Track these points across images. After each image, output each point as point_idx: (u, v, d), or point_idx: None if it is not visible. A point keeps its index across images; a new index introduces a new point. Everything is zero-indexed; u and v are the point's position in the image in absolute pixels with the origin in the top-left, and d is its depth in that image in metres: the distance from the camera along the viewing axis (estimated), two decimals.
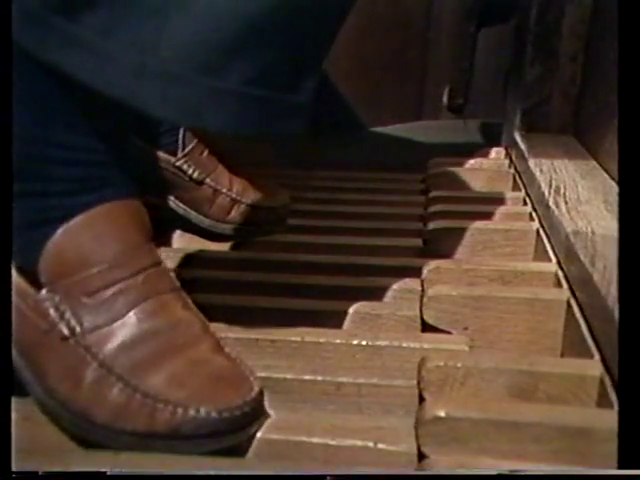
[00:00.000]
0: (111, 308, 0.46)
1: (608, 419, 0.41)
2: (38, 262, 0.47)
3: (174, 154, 0.71)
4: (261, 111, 0.45)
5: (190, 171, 0.72)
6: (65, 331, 0.46)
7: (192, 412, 0.43)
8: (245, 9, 0.42)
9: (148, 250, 0.49)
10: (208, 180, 0.72)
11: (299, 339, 0.55)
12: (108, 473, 0.41)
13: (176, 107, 0.44)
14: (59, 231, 0.46)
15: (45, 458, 0.44)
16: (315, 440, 0.45)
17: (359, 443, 0.45)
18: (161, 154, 0.71)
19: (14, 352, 0.47)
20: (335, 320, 0.60)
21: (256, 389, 0.46)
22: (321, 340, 0.55)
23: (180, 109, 0.44)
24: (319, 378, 0.51)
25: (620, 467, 0.37)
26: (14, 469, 0.39)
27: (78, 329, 0.46)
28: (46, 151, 0.46)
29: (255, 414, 0.46)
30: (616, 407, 0.44)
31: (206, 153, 0.73)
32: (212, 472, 0.41)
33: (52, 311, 0.46)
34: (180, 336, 0.47)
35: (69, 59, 0.42)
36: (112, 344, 0.46)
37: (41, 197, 0.46)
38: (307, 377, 0.51)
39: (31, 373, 0.47)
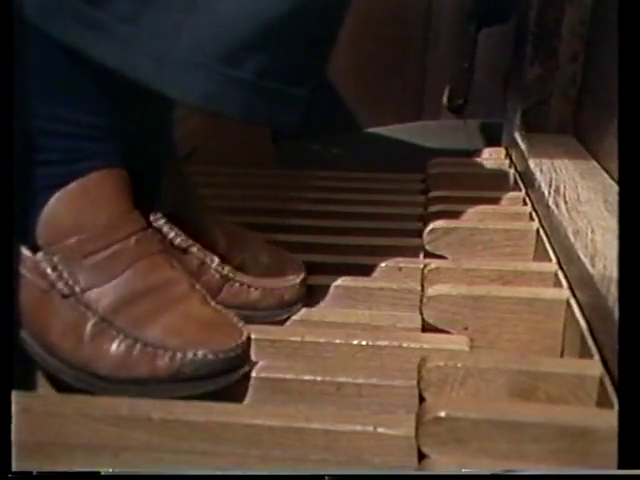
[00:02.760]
0: (107, 268, 0.49)
1: (608, 419, 0.41)
2: (36, 226, 0.49)
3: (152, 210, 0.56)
4: (269, 102, 0.49)
5: (172, 235, 0.56)
6: (65, 290, 0.49)
7: (190, 355, 0.48)
8: (263, 9, 0.46)
9: (137, 215, 0.52)
10: (194, 249, 0.57)
11: (299, 339, 0.55)
12: (102, 473, 0.41)
13: (195, 92, 0.47)
14: (55, 196, 0.49)
15: (45, 458, 0.44)
16: (315, 426, 0.46)
17: (359, 428, 0.45)
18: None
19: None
20: (335, 320, 0.60)
21: (245, 334, 0.51)
22: (321, 340, 0.55)
23: (199, 94, 0.47)
24: (319, 378, 0.51)
25: (620, 467, 0.37)
26: (14, 469, 0.39)
27: (77, 288, 0.49)
28: (49, 124, 0.48)
29: (246, 356, 0.51)
30: (616, 407, 0.44)
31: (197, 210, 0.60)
32: (212, 472, 0.41)
33: (50, 271, 0.49)
34: (172, 291, 0.51)
35: (95, 44, 0.45)
36: (111, 300, 0.49)
37: (40, 166, 0.49)
38: (307, 377, 0.51)
39: (30, 333, 0.49)
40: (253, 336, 0.55)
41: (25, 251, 0.49)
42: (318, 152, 1.19)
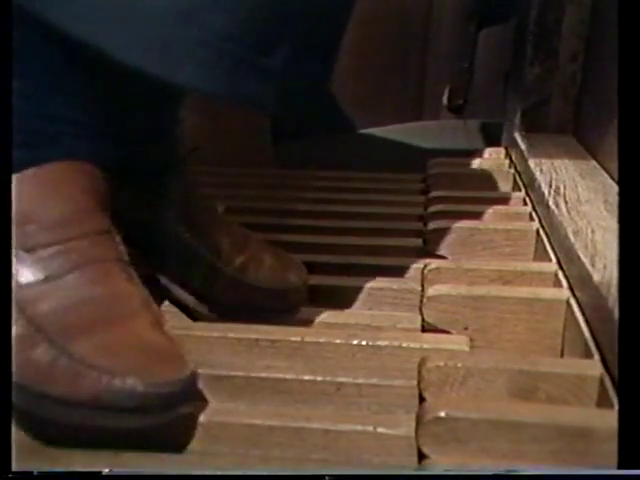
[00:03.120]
0: (49, 267, 0.44)
1: (608, 419, 0.41)
2: None
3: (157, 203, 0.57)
4: (232, 69, 0.43)
5: (178, 229, 0.57)
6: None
7: (117, 382, 0.41)
8: None
9: (99, 216, 0.47)
10: (202, 249, 0.58)
11: (299, 339, 0.55)
12: (104, 473, 0.41)
13: (148, 54, 0.41)
14: (12, 181, 0.45)
15: (45, 458, 0.44)
16: (315, 426, 0.46)
17: (359, 428, 0.45)
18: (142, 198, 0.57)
19: None
20: (335, 320, 0.60)
21: (189, 369, 0.44)
22: (321, 340, 0.55)
23: (149, 57, 0.41)
24: (319, 378, 0.51)
25: (620, 467, 0.37)
26: (14, 469, 0.38)
27: (14, 284, 0.44)
28: (21, 103, 0.44)
29: (185, 395, 0.44)
30: (616, 407, 0.44)
31: (203, 209, 0.60)
32: (212, 472, 0.41)
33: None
34: (118, 307, 0.45)
35: (56, 10, 0.41)
36: (44, 303, 0.44)
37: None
38: (307, 377, 0.51)
39: None
40: (253, 336, 0.55)
41: None
42: (318, 152, 1.19)
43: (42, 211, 0.45)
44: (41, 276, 0.44)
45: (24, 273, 0.44)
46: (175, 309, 0.60)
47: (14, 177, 0.45)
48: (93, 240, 0.46)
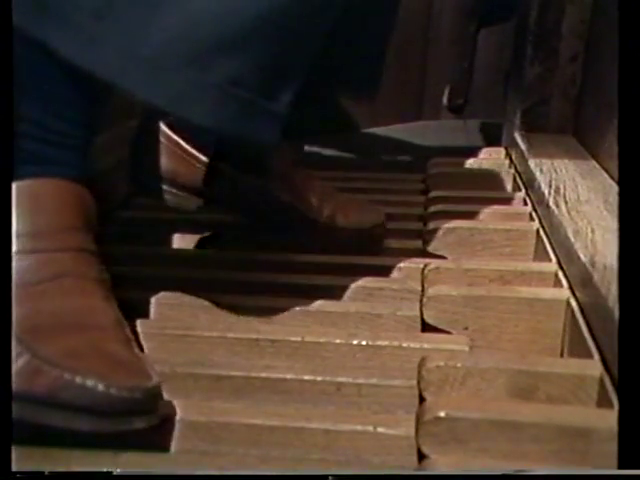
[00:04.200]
0: (29, 274, 0.46)
1: (608, 419, 0.41)
2: None
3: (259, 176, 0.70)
4: (239, 111, 0.46)
5: (278, 193, 0.70)
6: None
7: (78, 379, 0.41)
8: (236, 11, 0.43)
9: (83, 235, 0.49)
10: (296, 204, 0.71)
11: (299, 339, 0.55)
12: (115, 473, 0.41)
13: (160, 94, 0.44)
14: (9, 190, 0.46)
15: (45, 458, 0.44)
16: (315, 426, 0.46)
17: (359, 428, 0.45)
18: (247, 177, 0.69)
19: None
20: (335, 320, 0.60)
21: (155, 381, 0.44)
22: (321, 340, 0.55)
23: (164, 96, 0.44)
24: (319, 378, 0.51)
25: (620, 467, 0.37)
26: (14, 469, 0.38)
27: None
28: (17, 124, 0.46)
29: (147, 405, 0.43)
30: (616, 407, 0.44)
31: (296, 174, 0.72)
32: (212, 472, 0.41)
33: None
34: (89, 319, 0.46)
35: (59, 37, 0.43)
36: (19, 306, 0.45)
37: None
38: (307, 377, 0.51)
39: None
40: (253, 336, 0.55)
41: None
42: (318, 152, 1.19)
43: (25, 221, 0.47)
44: (19, 281, 0.45)
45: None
46: (177, 302, 0.61)
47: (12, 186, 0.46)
48: (75, 256, 0.48)
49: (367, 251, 0.72)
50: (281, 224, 0.72)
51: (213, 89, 0.44)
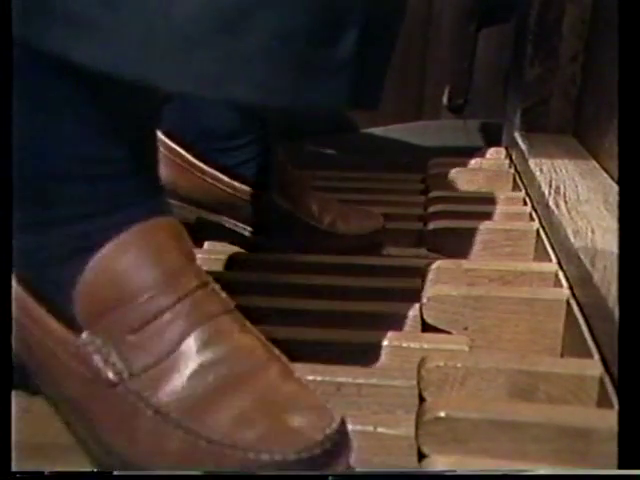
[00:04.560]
0: (160, 342, 0.40)
1: (608, 419, 0.41)
2: (72, 302, 0.41)
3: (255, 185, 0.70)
4: (293, 73, 0.36)
5: (279, 202, 0.71)
6: (112, 377, 0.40)
7: (265, 456, 0.37)
8: None
9: (192, 271, 0.43)
10: (297, 212, 0.72)
11: (299, 339, 0.55)
12: (115, 473, 0.41)
13: (194, 77, 0.36)
14: (89, 264, 0.41)
15: (45, 458, 0.44)
16: None
17: (359, 428, 0.45)
18: (247, 188, 0.71)
19: (67, 408, 0.43)
20: (335, 320, 0.60)
21: (337, 419, 0.39)
22: (321, 340, 0.55)
23: (198, 80, 0.36)
24: (319, 378, 0.51)
25: (620, 467, 0.37)
26: (14, 469, 0.38)
27: (125, 373, 0.40)
28: (58, 167, 0.40)
29: (339, 449, 0.39)
30: (616, 407, 0.44)
31: (295, 183, 0.73)
32: (212, 472, 0.41)
33: (95, 356, 0.40)
34: (242, 364, 0.41)
35: (69, 42, 0.35)
36: (165, 384, 0.40)
37: (62, 226, 0.41)
38: (307, 377, 0.51)
39: (85, 429, 0.42)
40: None
41: (66, 334, 0.41)
42: (318, 152, 1.19)
43: (135, 285, 0.41)
44: (154, 355, 0.40)
45: (135, 357, 0.40)
46: None
47: (94, 257, 0.41)
48: (195, 299, 0.42)
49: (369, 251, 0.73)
50: (282, 232, 0.73)
51: (254, 55, 0.35)
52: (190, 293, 0.42)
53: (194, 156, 0.69)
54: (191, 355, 0.40)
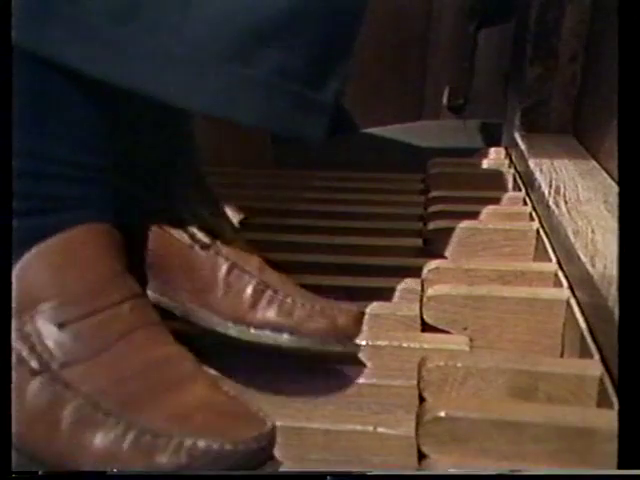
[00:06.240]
0: (94, 339, 0.41)
1: (608, 419, 0.41)
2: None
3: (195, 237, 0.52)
4: (290, 106, 0.42)
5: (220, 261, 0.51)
6: (36, 366, 0.40)
7: (202, 444, 0.37)
8: None
9: (130, 279, 0.44)
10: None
11: None
12: (109, 473, 0.41)
13: (201, 96, 0.40)
14: (30, 253, 0.41)
15: None
16: (315, 425, 0.46)
17: (359, 428, 0.45)
18: (180, 236, 0.52)
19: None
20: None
21: (269, 423, 0.40)
22: None
23: (206, 98, 0.40)
24: None
25: (620, 467, 0.37)
26: (14, 469, 0.38)
27: (53, 364, 0.40)
28: (25, 163, 0.41)
29: (270, 451, 0.40)
30: (616, 407, 0.44)
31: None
32: (212, 472, 0.41)
33: (20, 343, 0.40)
34: (175, 371, 0.42)
35: (79, 51, 0.38)
36: (99, 378, 0.40)
37: (15, 216, 0.41)
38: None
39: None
40: None
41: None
42: (318, 152, 1.19)
43: (73, 282, 0.42)
44: (87, 350, 0.41)
45: (66, 350, 0.40)
46: None
47: (33, 250, 0.41)
48: (133, 305, 0.43)
49: (320, 343, 0.50)
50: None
51: (259, 83, 0.40)
52: (129, 298, 0.43)
53: None
54: (127, 354, 0.41)
